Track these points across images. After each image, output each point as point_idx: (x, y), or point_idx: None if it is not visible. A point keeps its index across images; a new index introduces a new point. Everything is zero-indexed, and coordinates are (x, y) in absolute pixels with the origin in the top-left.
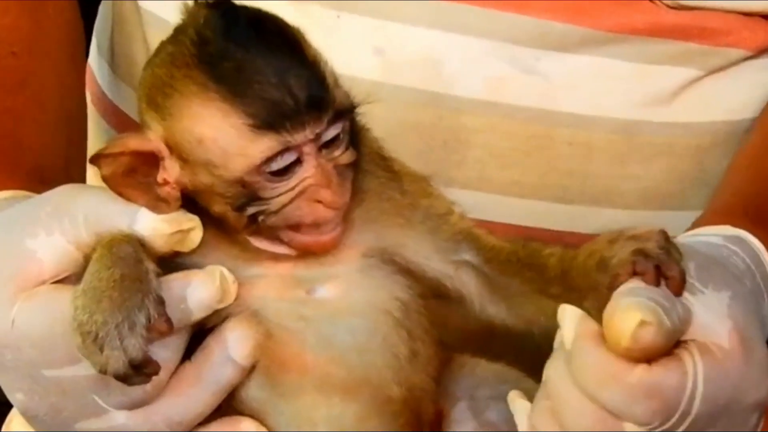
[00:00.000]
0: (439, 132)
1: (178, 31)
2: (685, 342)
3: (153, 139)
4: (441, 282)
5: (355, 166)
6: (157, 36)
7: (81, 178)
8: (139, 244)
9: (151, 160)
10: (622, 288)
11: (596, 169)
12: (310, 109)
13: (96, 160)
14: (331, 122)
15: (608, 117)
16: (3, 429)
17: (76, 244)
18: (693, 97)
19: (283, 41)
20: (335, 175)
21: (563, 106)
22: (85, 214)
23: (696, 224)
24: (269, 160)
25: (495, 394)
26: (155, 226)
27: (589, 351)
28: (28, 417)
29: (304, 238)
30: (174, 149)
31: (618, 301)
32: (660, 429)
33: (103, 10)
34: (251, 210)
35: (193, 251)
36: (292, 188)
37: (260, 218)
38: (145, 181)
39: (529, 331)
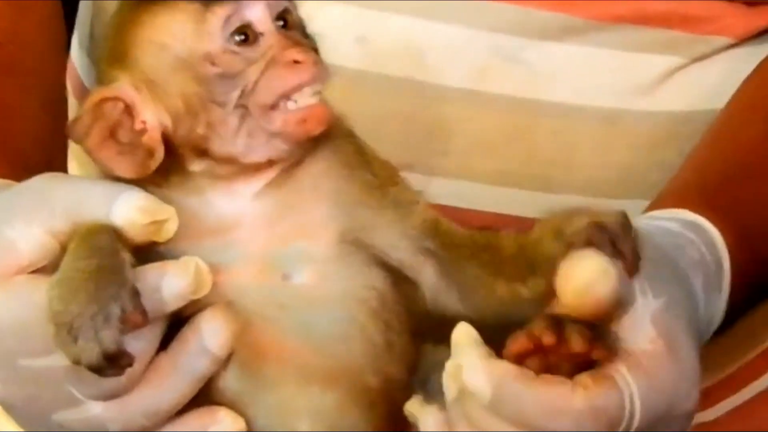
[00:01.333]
0: (422, 121)
1: None
2: (612, 361)
3: (117, 86)
4: (400, 270)
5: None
6: None
7: (63, 168)
8: (115, 234)
9: (125, 120)
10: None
11: (579, 158)
12: None
13: (70, 128)
14: None
15: (591, 106)
16: None
17: (53, 233)
18: (676, 85)
19: None
20: (301, 42)
21: (546, 95)
22: (62, 203)
23: (654, 203)
24: (227, 22)
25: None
26: (130, 217)
27: (523, 392)
28: (7, 408)
29: (297, 113)
30: (141, 83)
31: (575, 253)
32: None
33: (83, 3)
34: (233, 96)
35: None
36: (261, 56)
37: (245, 104)
38: (127, 143)
39: (482, 321)
